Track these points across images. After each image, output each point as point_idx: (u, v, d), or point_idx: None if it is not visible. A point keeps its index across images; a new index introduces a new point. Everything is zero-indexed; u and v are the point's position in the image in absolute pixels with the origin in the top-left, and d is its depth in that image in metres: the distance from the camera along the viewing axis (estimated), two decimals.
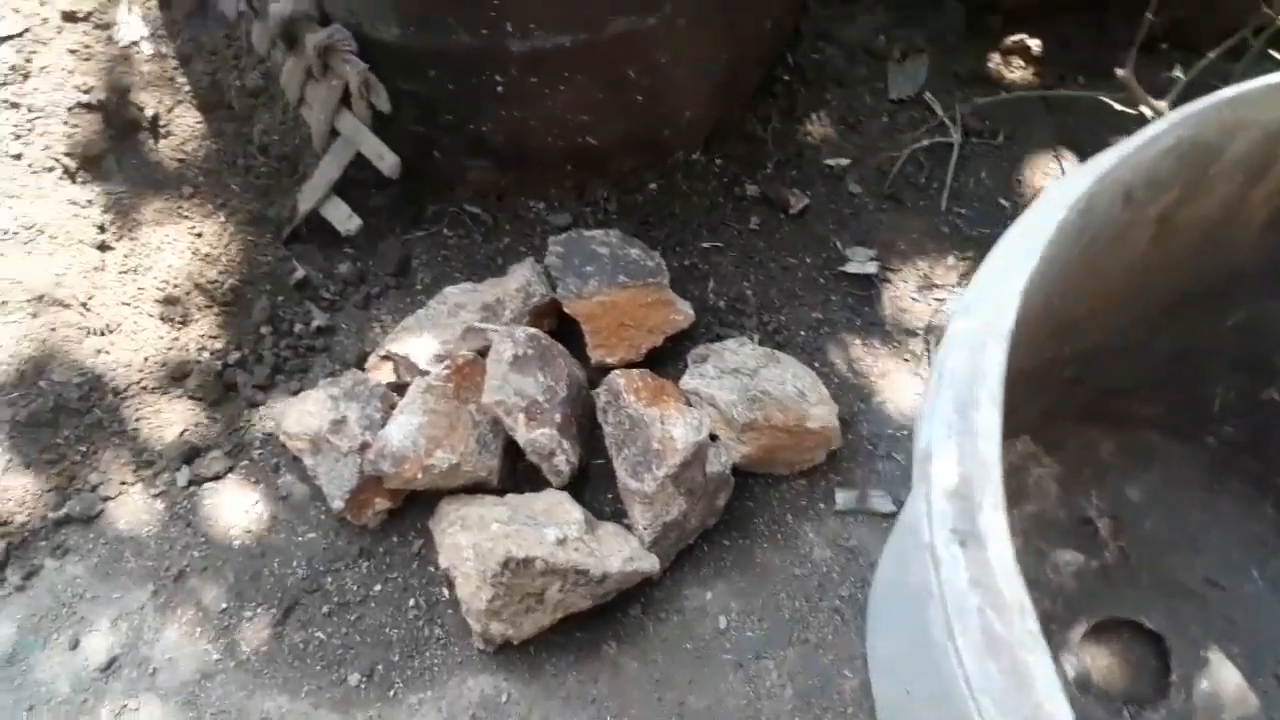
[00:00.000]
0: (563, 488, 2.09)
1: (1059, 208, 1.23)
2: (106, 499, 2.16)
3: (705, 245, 2.49)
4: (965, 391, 1.14)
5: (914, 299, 2.41)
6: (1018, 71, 2.71)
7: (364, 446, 2.06)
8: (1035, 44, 2.70)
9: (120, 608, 2.06)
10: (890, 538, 2.01)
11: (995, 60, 2.73)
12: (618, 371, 2.13)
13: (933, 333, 2.34)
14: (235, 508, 2.18)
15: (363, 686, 1.98)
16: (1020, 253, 1.24)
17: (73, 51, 2.31)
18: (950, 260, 2.45)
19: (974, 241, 2.47)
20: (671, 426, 1.99)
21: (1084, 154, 2.56)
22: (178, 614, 2.06)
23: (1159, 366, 1.96)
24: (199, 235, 2.32)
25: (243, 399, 2.28)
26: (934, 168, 2.57)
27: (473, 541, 1.90)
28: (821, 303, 2.41)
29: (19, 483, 2.11)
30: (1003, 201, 2.52)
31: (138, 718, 1.94)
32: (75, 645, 2.01)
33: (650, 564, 1.96)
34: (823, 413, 2.09)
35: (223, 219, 2.35)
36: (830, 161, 2.60)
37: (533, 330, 2.14)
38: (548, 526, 1.92)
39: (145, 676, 1.99)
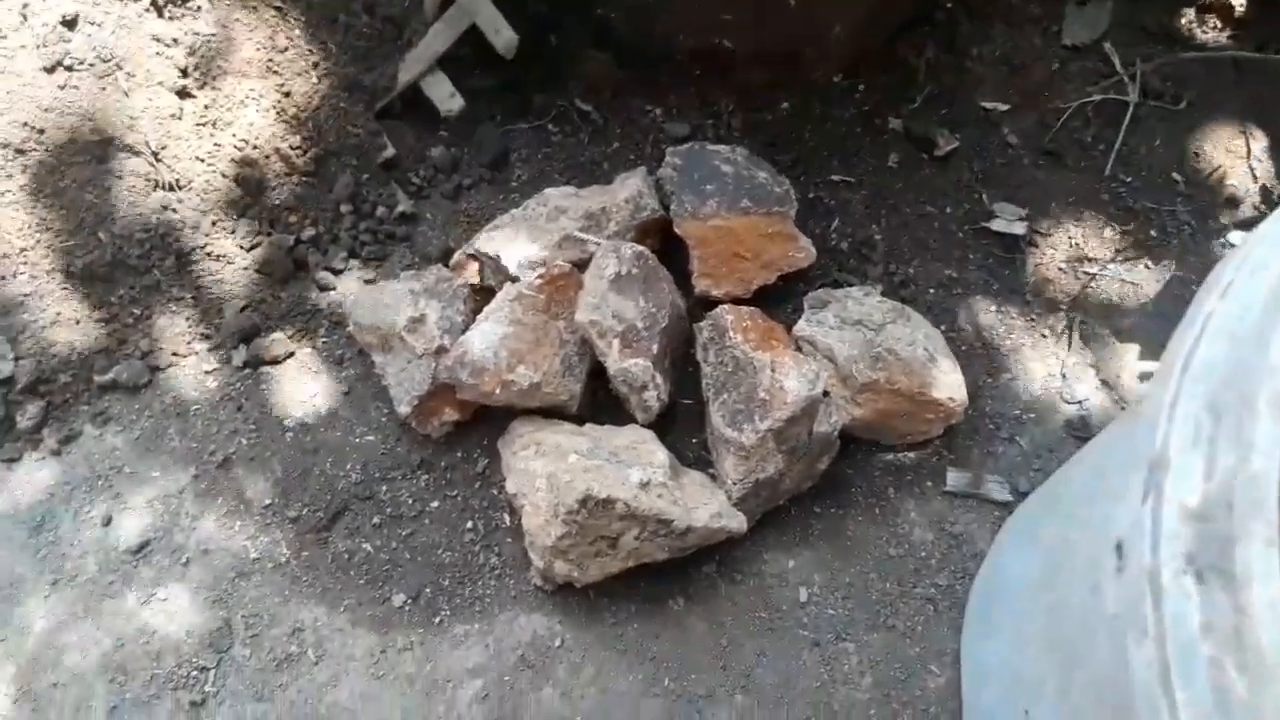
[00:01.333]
0: (648, 425, 1.89)
1: None
2: (156, 369, 2.00)
3: (835, 179, 2.24)
4: (1226, 391, 0.91)
5: (1061, 270, 2.15)
6: (1212, 33, 2.39)
7: (440, 350, 1.87)
8: (1239, 2, 2.37)
9: (159, 488, 1.90)
10: (1009, 531, 1.79)
11: (1189, 16, 2.41)
12: (726, 307, 1.91)
13: (1077, 309, 2.09)
14: (291, 396, 2.01)
15: (407, 608, 1.82)
16: None
17: None
18: (1107, 232, 2.18)
19: (1137, 215, 2.19)
20: (783, 375, 1.77)
21: (1277, 134, 2.26)
22: (218, 503, 1.90)
23: None
24: (287, 94, 2.11)
25: (313, 280, 2.09)
26: (1103, 127, 2.28)
27: (548, 471, 1.71)
28: (958, 260, 2.16)
29: (66, 339, 1.94)
30: (1175, 176, 2.23)
31: (164, 608, 1.80)
32: (108, 522, 1.86)
33: (738, 523, 1.76)
34: (951, 382, 1.85)
35: (315, 80, 2.14)
36: (987, 105, 2.32)
37: (640, 248, 1.92)
38: (631, 466, 1.73)
39: (177, 566, 1.84)
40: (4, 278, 1.93)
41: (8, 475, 1.90)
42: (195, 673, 1.76)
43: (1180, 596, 0.86)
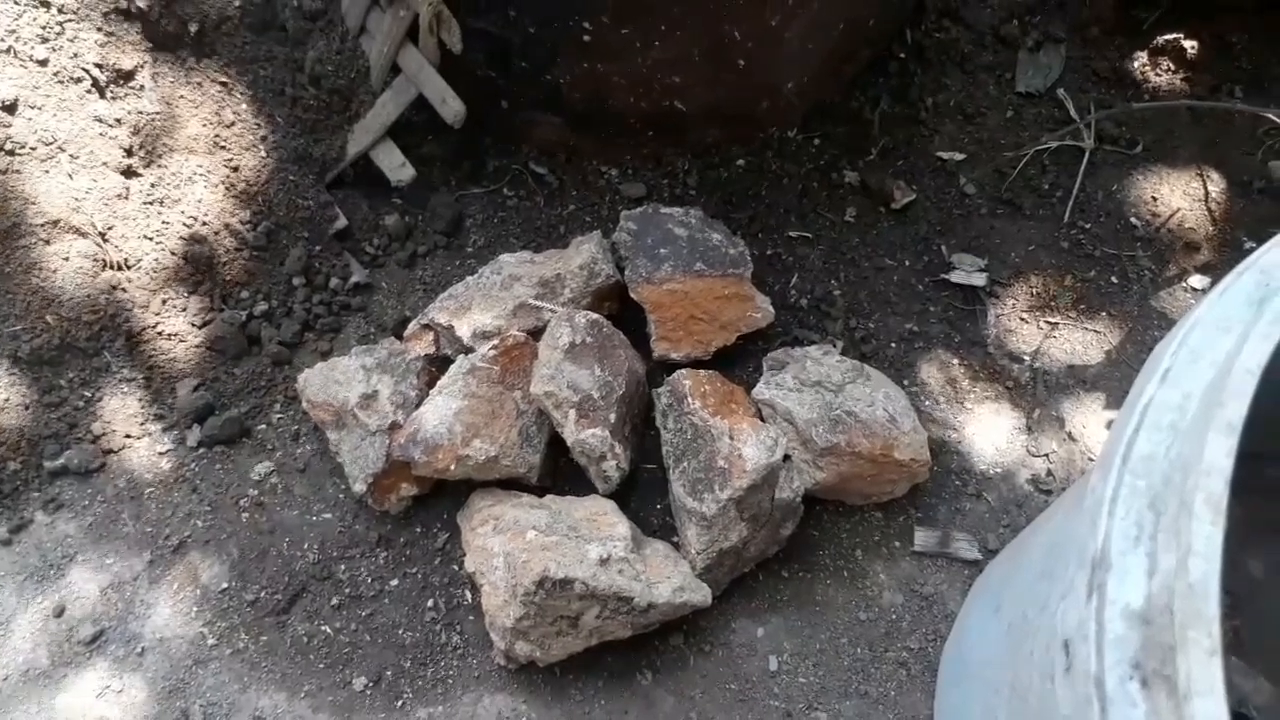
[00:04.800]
0: (609, 494, 1.86)
1: None
2: (109, 451, 1.96)
3: (792, 235, 2.23)
4: (1165, 488, 0.89)
5: (1023, 319, 2.13)
6: (1165, 76, 2.40)
7: (394, 426, 1.84)
8: (1190, 46, 2.38)
9: (112, 575, 1.86)
10: (974, 596, 1.76)
11: (1141, 60, 2.42)
12: (684, 372, 1.89)
13: (1041, 359, 2.07)
14: (246, 475, 1.97)
15: (368, 692, 1.77)
16: (1254, 308, 0.97)
17: None
18: (1068, 280, 2.17)
19: (1097, 262, 2.18)
20: (742, 443, 1.75)
21: (1233, 176, 2.26)
22: (174, 589, 1.85)
23: None
24: (235, 169, 2.09)
25: (266, 355, 2.06)
26: (1059, 174, 2.28)
27: (505, 550, 1.68)
28: (918, 313, 2.14)
29: (15, 424, 1.90)
30: (1134, 220, 2.23)
31: (120, 700, 1.75)
32: (60, 613, 1.82)
33: (702, 596, 1.72)
34: (914, 442, 1.83)
35: (263, 154, 2.12)
36: (943, 154, 2.32)
37: (594, 316, 1.89)
38: (590, 542, 1.69)
39: (133, 655, 1.79)
40: None
41: None
42: None
43: (1126, 704, 0.83)
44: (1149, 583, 0.86)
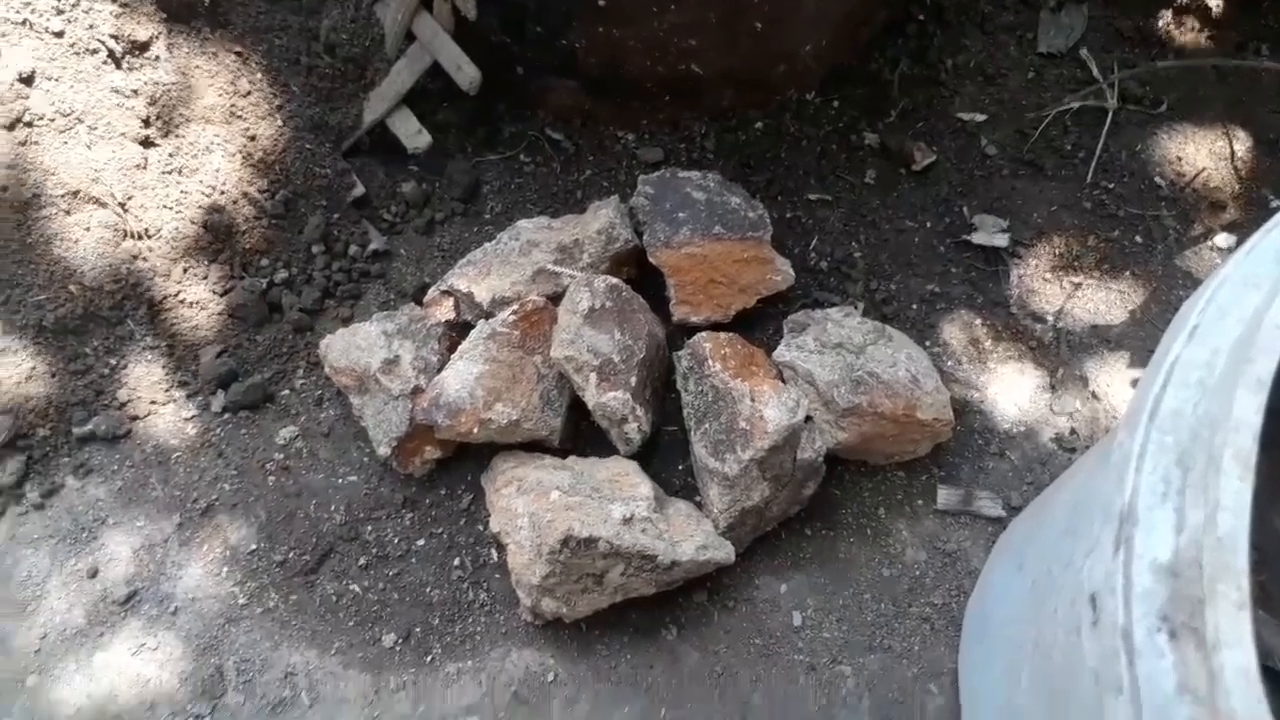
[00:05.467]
0: (631, 456, 1.86)
1: None
2: (135, 418, 1.97)
3: (812, 198, 2.22)
4: (1193, 444, 0.88)
5: (1045, 280, 2.12)
6: (1190, 34, 2.37)
7: (416, 391, 1.84)
8: (1216, 3, 2.35)
9: (143, 538, 1.88)
10: (997, 553, 1.76)
11: (1166, 18, 2.39)
12: (704, 335, 1.88)
13: (1064, 320, 2.06)
14: (272, 440, 1.98)
15: (398, 649, 1.79)
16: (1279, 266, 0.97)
17: None
18: (1091, 240, 2.15)
19: (1120, 222, 2.16)
20: (763, 404, 1.74)
21: (1260, 134, 2.23)
22: (203, 551, 1.87)
23: None
24: (252, 138, 2.09)
25: (288, 322, 2.07)
26: (1082, 134, 2.25)
27: (530, 510, 1.68)
28: (939, 274, 2.13)
29: (43, 392, 1.92)
30: (1158, 180, 2.21)
31: (155, 658, 1.77)
32: (94, 574, 1.84)
33: (725, 554, 1.73)
34: (936, 402, 1.82)
35: (279, 123, 2.12)
36: (964, 116, 2.30)
37: (613, 280, 1.89)
38: (613, 502, 1.70)
39: (166, 615, 1.81)
40: None
41: None
42: None
43: (1154, 656, 0.83)
44: (1176, 537, 0.86)
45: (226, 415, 2.00)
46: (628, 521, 1.66)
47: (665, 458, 1.96)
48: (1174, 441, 0.90)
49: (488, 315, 1.94)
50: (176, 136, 2.05)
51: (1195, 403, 0.91)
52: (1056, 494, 1.49)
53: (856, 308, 2.06)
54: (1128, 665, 0.84)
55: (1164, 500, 0.88)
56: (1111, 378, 2.00)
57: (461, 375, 1.81)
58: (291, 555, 1.87)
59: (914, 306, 2.10)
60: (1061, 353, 2.03)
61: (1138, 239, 2.15)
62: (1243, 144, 2.23)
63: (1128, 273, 2.12)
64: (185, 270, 2.03)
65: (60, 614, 1.81)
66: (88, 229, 1.97)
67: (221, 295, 2.05)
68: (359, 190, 2.16)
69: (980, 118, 2.30)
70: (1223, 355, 0.93)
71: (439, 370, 1.87)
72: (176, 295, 2.02)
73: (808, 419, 1.79)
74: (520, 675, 1.76)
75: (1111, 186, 2.21)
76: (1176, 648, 0.81)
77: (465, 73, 2.05)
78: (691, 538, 1.71)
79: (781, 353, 1.88)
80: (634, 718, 1.73)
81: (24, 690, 1.75)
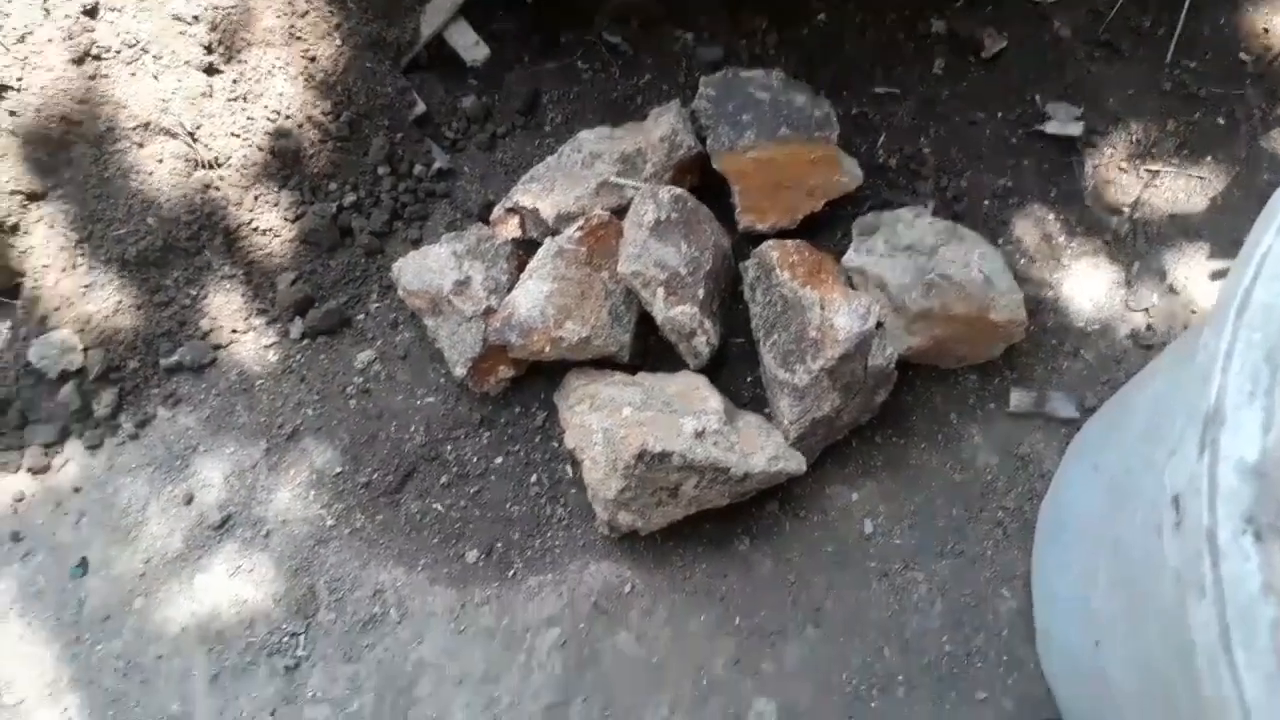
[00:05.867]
0: (699, 370, 1.88)
1: None
2: (218, 347, 2.04)
3: (879, 91, 2.16)
4: None
5: (1121, 169, 2.05)
6: None
7: (489, 311, 1.88)
8: None
9: (233, 464, 1.97)
10: (1072, 455, 1.76)
11: None
12: (771, 242, 1.87)
13: (1141, 211, 2.00)
14: (351, 364, 2.04)
15: (481, 564, 1.87)
16: None
17: None
18: (1170, 125, 2.07)
19: (1202, 103, 2.07)
20: (833, 313, 1.74)
21: None
22: (291, 475, 1.96)
23: None
24: (312, 60, 2.09)
25: (359, 246, 2.10)
26: (1161, 10, 2.14)
27: (603, 426, 1.72)
28: (1012, 167, 2.08)
29: (130, 325, 2.00)
30: (1243, 56, 2.09)
31: (251, 579, 1.88)
32: (189, 500, 1.94)
33: (797, 464, 1.76)
34: (1010, 303, 1.80)
35: (338, 42, 2.10)
36: None
37: (678, 191, 1.88)
38: (685, 415, 1.73)
39: (259, 537, 1.91)
40: (64, 269, 1.98)
41: (92, 461, 1.98)
42: (286, 639, 1.84)
43: (1239, 558, 0.83)
44: (1264, 437, 0.85)
45: (305, 341, 2.05)
46: (700, 435, 1.69)
47: (733, 370, 1.97)
48: (1263, 338, 0.88)
49: (554, 232, 1.95)
50: (239, 62, 2.06)
51: None
52: (1135, 394, 1.48)
53: (927, 206, 2.03)
54: (1211, 567, 0.85)
55: (1251, 399, 0.87)
56: (1190, 270, 1.95)
57: (531, 294, 1.83)
58: (375, 476, 1.94)
59: (986, 203, 2.05)
60: (1138, 246, 1.98)
61: (1220, 120, 2.06)
62: None
63: (1209, 157, 2.04)
64: (256, 198, 2.07)
65: (161, 539, 1.92)
66: (161, 160, 2.00)
67: (293, 221, 2.08)
68: (420, 108, 2.15)
69: None
70: None
71: (509, 289, 1.90)
72: (250, 223, 2.06)
73: (879, 325, 1.79)
74: (599, 586, 1.83)
75: (1193, 65, 2.10)
76: (1262, 549, 0.82)
77: None
78: (763, 449, 1.74)
79: (851, 258, 1.86)
80: (709, 625, 1.80)
81: (132, 612, 1.88)
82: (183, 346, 2.01)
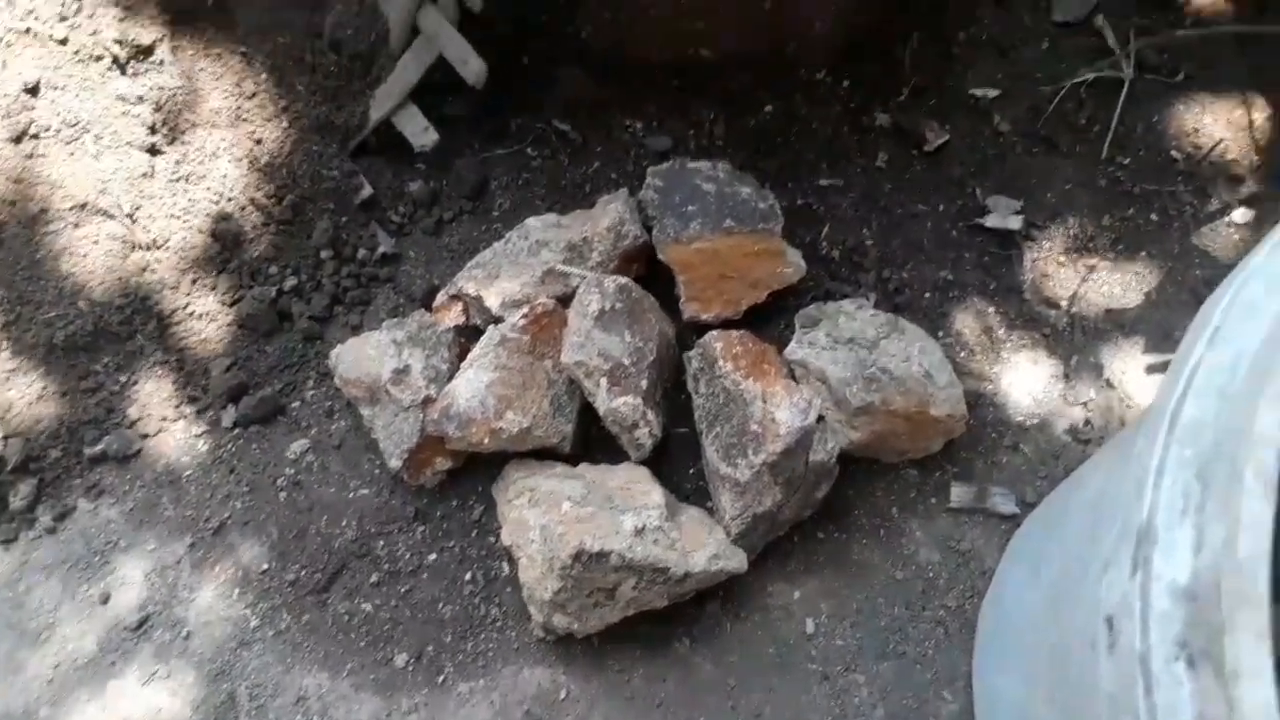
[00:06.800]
0: (642, 461, 1.86)
1: None
2: (145, 436, 1.99)
3: (823, 183, 2.18)
4: (1214, 457, 0.85)
5: (1060, 263, 2.08)
6: None
7: (427, 401, 1.84)
8: None
9: (156, 560, 1.90)
10: (1011, 554, 1.75)
11: None
12: (715, 334, 1.87)
13: (1078, 304, 2.02)
14: (283, 455, 1.99)
15: (410, 668, 1.81)
16: None
17: None
18: (1106, 220, 2.10)
19: (1137, 200, 2.11)
20: (774, 407, 1.73)
21: (1279, 101, 2.16)
22: (215, 572, 1.89)
23: None
24: (258, 142, 2.07)
25: (298, 331, 2.07)
26: (1097, 107, 2.19)
27: (541, 522, 1.69)
28: (953, 260, 2.10)
29: (54, 413, 1.94)
30: (1174, 154, 2.15)
31: (168, 686, 1.80)
32: (106, 600, 1.86)
33: (738, 563, 1.73)
34: (950, 398, 1.80)
35: (285, 124, 2.09)
36: (976, 92, 2.24)
37: (623, 280, 1.87)
38: (625, 512, 1.70)
39: (179, 640, 1.84)
40: None
41: (4, 557, 1.90)
42: None
43: (1172, 685, 0.81)
44: (1195, 558, 0.83)
45: (237, 430, 2.00)
46: (639, 532, 1.66)
47: (677, 460, 1.95)
48: (1194, 454, 0.87)
49: (497, 320, 1.93)
50: (183, 143, 2.04)
51: (1216, 413, 0.88)
52: (1072, 493, 1.48)
53: (869, 299, 2.04)
54: (1144, 694, 0.82)
55: (1183, 517, 0.85)
56: (1126, 364, 1.97)
57: (472, 384, 1.80)
58: (303, 574, 1.88)
59: (927, 295, 2.07)
60: (1076, 340, 2.00)
61: (1153, 217, 2.10)
62: (1261, 113, 2.16)
63: (1143, 253, 2.07)
64: (194, 281, 2.03)
65: (73, 642, 1.84)
66: (96, 242, 1.97)
67: (231, 305, 2.05)
68: (367, 191, 2.14)
69: (993, 93, 2.24)
70: (1245, 361, 0.89)
71: (450, 379, 1.87)
72: (186, 307, 2.02)
73: (820, 419, 1.78)
74: (533, 693, 1.77)
75: (1127, 162, 2.15)
76: (1194, 677, 0.80)
77: (471, 66, 2.02)
78: (704, 547, 1.71)
79: (793, 350, 1.86)
80: None
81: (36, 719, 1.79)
82: (109, 435, 1.96)
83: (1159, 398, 0.94)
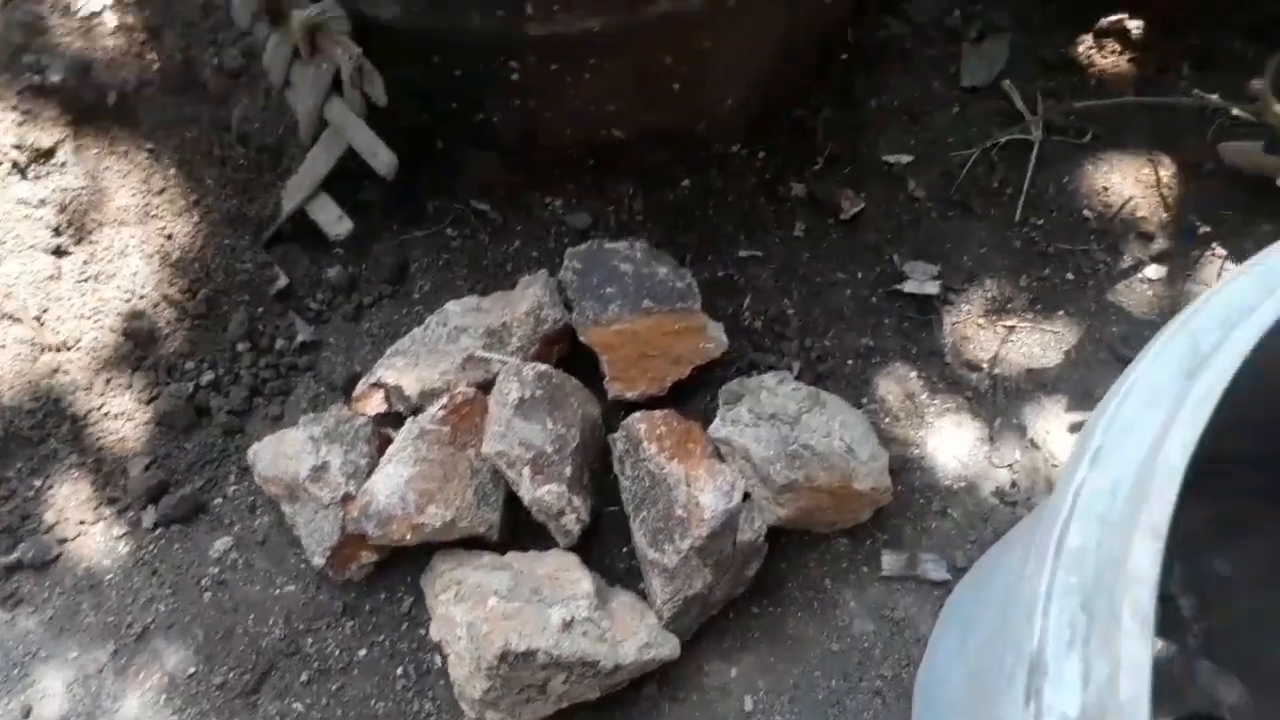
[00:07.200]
0: (571, 547, 1.84)
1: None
2: (63, 541, 1.93)
3: (742, 254, 2.19)
4: (1097, 587, 0.85)
5: (979, 326, 2.10)
6: (1112, 58, 2.35)
7: (347, 498, 1.81)
8: (1135, 26, 2.33)
9: (77, 669, 1.84)
10: (940, 626, 1.75)
11: (1086, 43, 2.37)
12: (638, 415, 1.86)
13: (999, 366, 2.04)
14: (206, 554, 1.94)
15: None
16: (1183, 380, 0.93)
17: (23, 24, 2.02)
18: (1023, 281, 2.13)
19: (1051, 260, 2.15)
20: (698, 490, 1.73)
21: (1184, 159, 2.21)
22: (140, 679, 1.84)
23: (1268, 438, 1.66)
24: (169, 238, 2.05)
25: (217, 426, 2.03)
26: (1009, 170, 2.23)
27: (468, 620, 1.66)
28: (873, 326, 2.11)
29: None
30: (1086, 213, 2.19)
31: None
32: (27, 714, 1.80)
33: (670, 649, 1.71)
34: (873, 472, 1.81)
35: (196, 219, 2.07)
36: (889, 159, 2.27)
37: (543, 368, 1.86)
38: (553, 605, 1.67)
39: None
40: None
41: None
42: None
43: None
44: (1084, 692, 0.83)
45: (159, 530, 1.96)
46: (567, 626, 1.64)
47: (609, 539, 1.93)
48: (1079, 583, 0.87)
49: (417, 410, 1.91)
50: (90, 242, 2.01)
51: (1098, 540, 0.88)
52: (991, 579, 1.48)
53: (792, 369, 2.05)
54: None
55: (1070, 649, 0.85)
56: (1050, 424, 1.99)
57: (391, 480, 1.78)
58: (231, 676, 1.83)
59: (850, 362, 2.08)
60: (998, 401, 2.02)
61: (1069, 275, 2.14)
62: (1167, 170, 2.21)
63: (1061, 312, 2.10)
64: (108, 381, 1.99)
65: None
66: (3, 346, 1.93)
67: (147, 403, 2.01)
68: (282, 282, 2.11)
69: (906, 159, 2.27)
70: (1124, 486, 0.89)
71: (369, 474, 1.84)
72: (100, 408, 1.98)
73: (746, 497, 1.78)
74: None
75: (1040, 223, 2.19)
76: None
77: (381, 158, 2.01)
78: (635, 635, 1.69)
79: (716, 428, 1.85)
80: None
81: None
82: (24, 543, 1.90)
83: (1047, 518, 0.94)
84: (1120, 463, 0.91)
